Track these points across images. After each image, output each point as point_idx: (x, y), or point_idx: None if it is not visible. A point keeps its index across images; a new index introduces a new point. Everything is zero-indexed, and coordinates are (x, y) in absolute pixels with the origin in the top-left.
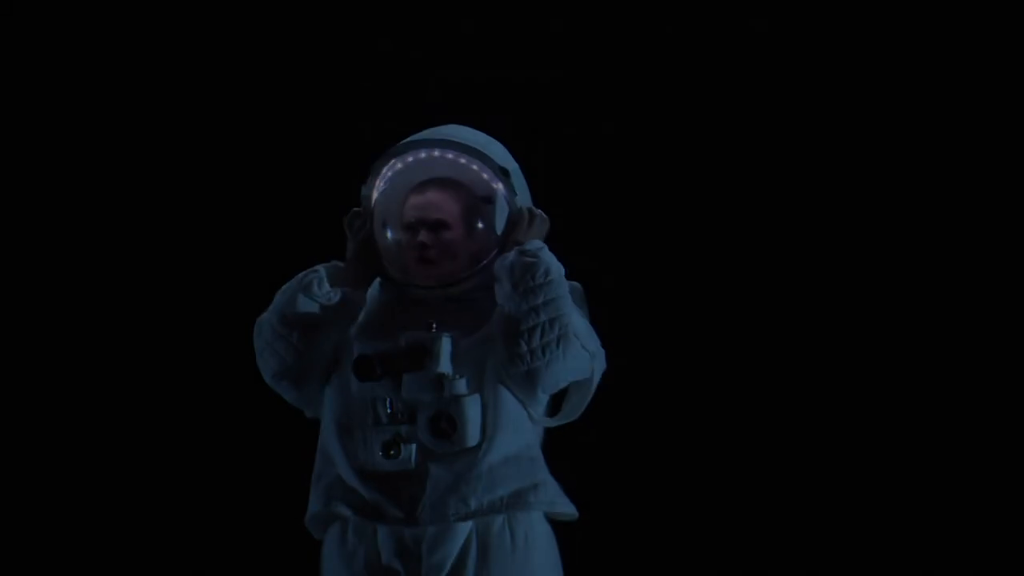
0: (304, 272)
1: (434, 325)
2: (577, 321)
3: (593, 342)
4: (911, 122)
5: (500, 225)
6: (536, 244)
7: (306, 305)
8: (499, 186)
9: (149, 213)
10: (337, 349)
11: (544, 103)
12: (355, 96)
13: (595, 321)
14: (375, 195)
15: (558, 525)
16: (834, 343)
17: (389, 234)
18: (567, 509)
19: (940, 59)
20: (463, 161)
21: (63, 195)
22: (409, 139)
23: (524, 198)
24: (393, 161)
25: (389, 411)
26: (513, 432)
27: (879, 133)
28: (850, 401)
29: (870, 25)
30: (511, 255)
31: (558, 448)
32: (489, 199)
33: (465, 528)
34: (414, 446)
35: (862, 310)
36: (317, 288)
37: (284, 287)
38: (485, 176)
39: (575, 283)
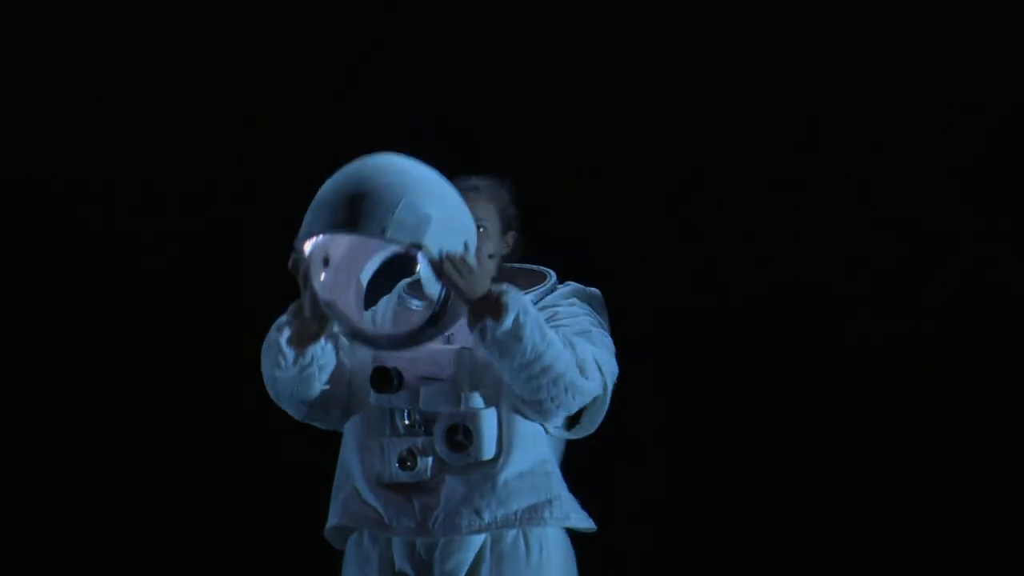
0: (266, 344)
1: (452, 336)
2: (581, 352)
3: (604, 355)
4: (910, 118)
5: (436, 283)
6: (511, 313)
7: (286, 372)
8: (419, 254)
9: (145, 208)
10: (350, 367)
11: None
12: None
13: (613, 331)
14: (309, 249)
15: (575, 533)
16: (852, 347)
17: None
18: (583, 524)
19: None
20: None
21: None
22: (322, 200)
23: (456, 226)
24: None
25: (407, 422)
26: (529, 446)
27: (876, 133)
28: (867, 409)
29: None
30: (479, 329)
31: (577, 460)
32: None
33: (479, 538)
34: (430, 459)
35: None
36: (284, 362)
37: (262, 360)
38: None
39: (593, 290)
